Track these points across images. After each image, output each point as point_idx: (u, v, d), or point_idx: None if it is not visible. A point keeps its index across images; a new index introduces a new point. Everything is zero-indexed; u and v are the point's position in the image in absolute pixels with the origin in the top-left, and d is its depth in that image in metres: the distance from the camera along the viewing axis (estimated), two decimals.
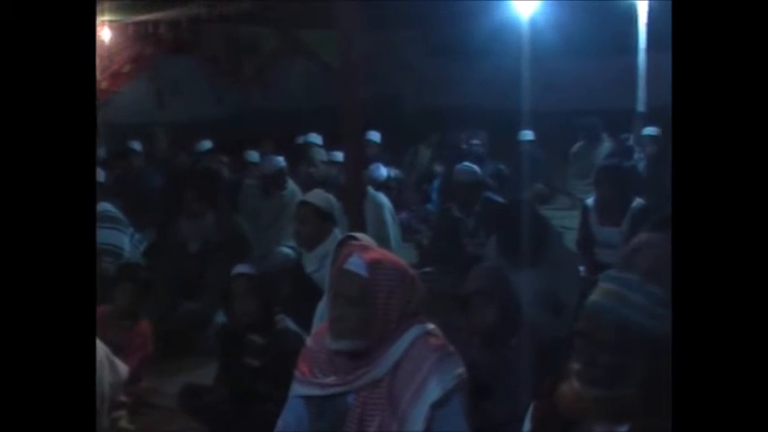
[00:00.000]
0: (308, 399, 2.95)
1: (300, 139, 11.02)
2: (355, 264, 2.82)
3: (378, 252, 2.92)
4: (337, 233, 5.14)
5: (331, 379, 2.88)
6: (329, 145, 10.13)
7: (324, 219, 5.29)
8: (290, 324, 4.39)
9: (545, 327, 4.58)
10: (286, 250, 7.16)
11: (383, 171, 9.13)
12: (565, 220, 8.21)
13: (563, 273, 5.15)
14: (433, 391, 2.75)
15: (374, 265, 2.81)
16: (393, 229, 7.22)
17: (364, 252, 2.87)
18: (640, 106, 11.58)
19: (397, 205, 8.24)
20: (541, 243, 5.16)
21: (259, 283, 4.39)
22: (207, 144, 10.36)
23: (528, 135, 10.61)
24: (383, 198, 7.36)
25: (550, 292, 5.05)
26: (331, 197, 5.50)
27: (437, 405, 2.75)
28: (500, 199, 6.86)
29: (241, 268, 4.46)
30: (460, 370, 2.85)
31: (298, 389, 2.98)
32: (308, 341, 3.09)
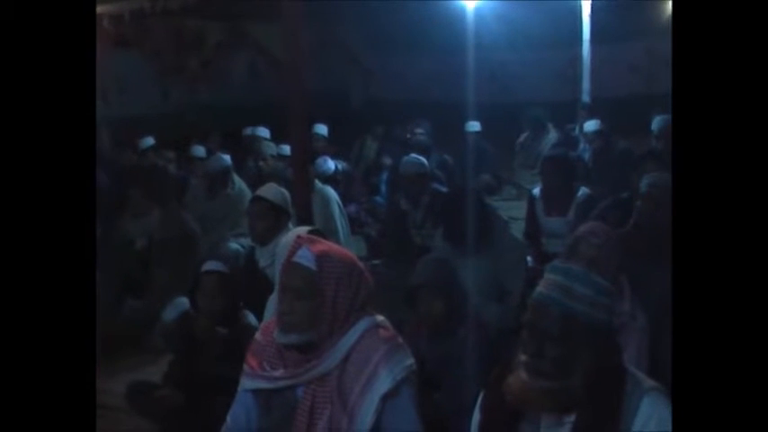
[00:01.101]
0: (256, 392, 2.94)
1: (248, 131, 10.94)
2: (303, 256, 2.81)
3: (326, 245, 2.91)
4: (291, 227, 5.14)
5: (280, 372, 2.87)
6: (277, 139, 10.07)
7: (278, 213, 5.29)
8: (252, 320, 4.38)
9: (492, 317, 4.61)
10: (234, 246, 7.12)
11: (330, 164, 9.12)
12: (512, 211, 8.24)
13: (509, 259, 5.18)
14: (384, 383, 2.75)
15: (322, 258, 2.81)
16: (341, 222, 7.21)
17: (312, 245, 2.86)
18: (585, 97, 11.72)
19: (345, 198, 8.21)
20: (487, 230, 5.19)
21: (228, 281, 4.36)
22: (149, 141, 10.23)
23: (474, 126, 10.61)
24: (331, 191, 7.34)
25: (496, 279, 5.08)
26: (284, 191, 5.48)
27: (387, 396, 2.75)
28: (446, 190, 6.89)
29: (211, 265, 4.39)
30: (410, 361, 2.86)
31: (246, 383, 2.97)
32: (257, 335, 3.07)
